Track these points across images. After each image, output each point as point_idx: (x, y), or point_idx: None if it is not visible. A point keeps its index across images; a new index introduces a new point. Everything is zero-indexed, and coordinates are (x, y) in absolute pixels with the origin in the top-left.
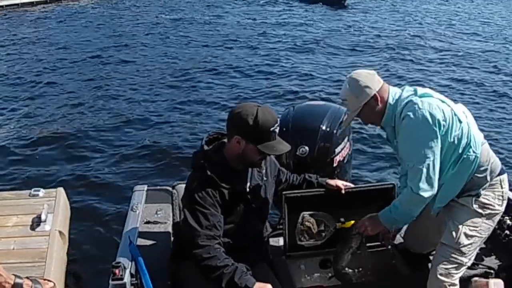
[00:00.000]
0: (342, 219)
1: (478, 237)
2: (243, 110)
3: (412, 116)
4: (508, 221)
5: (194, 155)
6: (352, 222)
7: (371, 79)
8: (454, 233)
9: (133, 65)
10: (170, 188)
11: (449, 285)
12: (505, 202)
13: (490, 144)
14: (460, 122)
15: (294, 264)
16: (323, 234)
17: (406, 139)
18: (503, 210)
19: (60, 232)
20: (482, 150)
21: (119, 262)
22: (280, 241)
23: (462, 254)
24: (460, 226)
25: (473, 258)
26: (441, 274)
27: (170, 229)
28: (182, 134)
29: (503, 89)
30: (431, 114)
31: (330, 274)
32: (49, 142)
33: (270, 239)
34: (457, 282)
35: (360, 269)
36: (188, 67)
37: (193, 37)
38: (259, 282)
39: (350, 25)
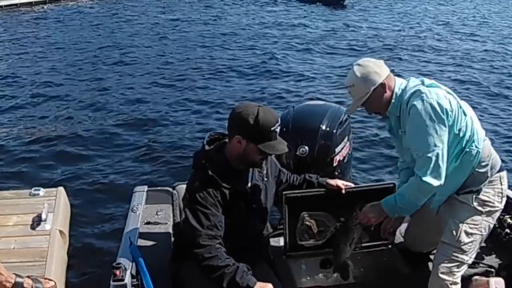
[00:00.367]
0: (342, 219)
1: (479, 234)
2: (244, 109)
3: (420, 104)
4: (509, 220)
5: (195, 155)
6: None
7: (380, 66)
8: (454, 232)
9: (132, 65)
10: (170, 189)
11: (451, 284)
12: (504, 199)
13: None
14: (465, 115)
15: (294, 264)
16: (324, 234)
17: (414, 127)
18: (502, 207)
19: (61, 231)
20: (484, 146)
21: (119, 263)
22: (281, 241)
23: (463, 252)
24: (460, 225)
25: (474, 255)
26: (442, 273)
27: (170, 230)
28: (182, 134)
29: (501, 89)
30: (439, 104)
31: (330, 274)
32: (48, 141)
33: (271, 239)
34: (458, 280)
35: (361, 268)
36: (188, 67)
37: (192, 37)
38: (259, 282)
39: (349, 25)
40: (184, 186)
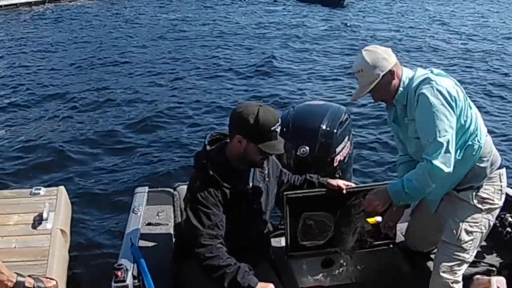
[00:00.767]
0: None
1: (479, 232)
2: (244, 109)
3: (430, 91)
4: (510, 219)
5: (197, 155)
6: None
7: (388, 53)
8: (454, 231)
9: (132, 65)
10: (171, 190)
11: (452, 282)
12: (503, 197)
13: None
14: (470, 108)
15: (296, 264)
16: (325, 234)
17: (425, 113)
18: (501, 204)
19: (62, 231)
20: (486, 142)
21: (121, 264)
22: (282, 241)
23: (464, 250)
24: (460, 223)
25: (475, 253)
26: (444, 272)
27: (171, 231)
28: (183, 135)
29: (500, 89)
30: (448, 91)
31: (332, 273)
32: (49, 141)
33: (272, 239)
34: (460, 279)
35: (362, 268)
36: (188, 67)
37: (192, 37)
38: (261, 282)
39: (348, 25)
40: (185, 187)
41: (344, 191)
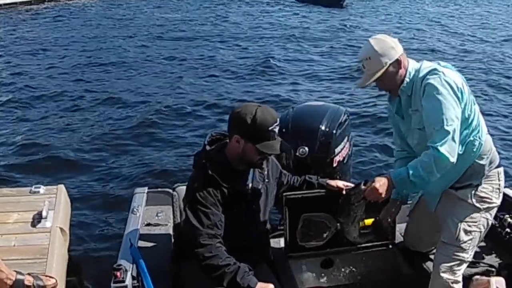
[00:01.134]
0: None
1: (478, 231)
2: (242, 109)
3: (438, 81)
4: (509, 219)
5: (196, 155)
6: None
7: (396, 43)
8: (453, 231)
9: (131, 65)
10: (170, 190)
11: (452, 283)
12: (501, 195)
13: None
14: (474, 103)
15: (295, 265)
16: (324, 235)
17: (433, 101)
18: (499, 203)
19: (61, 229)
20: (486, 140)
21: (120, 265)
22: (281, 242)
23: (463, 250)
24: (459, 223)
25: (473, 252)
26: (444, 272)
27: (171, 231)
28: (183, 135)
29: (496, 90)
30: (455, 83)
31: (332, 274)
32: (49, 139)
33: (271, 240)
34: (460, 279)
35: (362, 268)
36: (188, 68)
37: (192, 38)
38: (261, 282)
39: (348, 26)
40: (185, 187)
41: (344, 192)
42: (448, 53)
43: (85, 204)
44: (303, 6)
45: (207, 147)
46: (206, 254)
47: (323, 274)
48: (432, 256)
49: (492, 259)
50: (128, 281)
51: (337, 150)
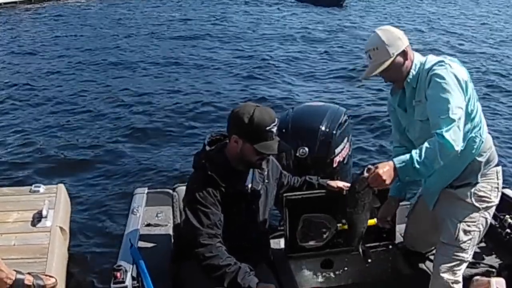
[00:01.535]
0: (343, 221)
1: (477, 231)
2: (241, 109)
3: (444, 71)
4: (509, 220)
5: (196, 155)
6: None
7: (402, 34)
8: (452, 231)
9: (130, 65)
10: (170, 190)
11: (452, 283)
12: (499, 194)
13: None
14: (477, 100)
15: (295, 265)
16: (324, 235)
17: (439, 90)
18: (497, 202)
19: (61, 228)
20: (486, 138)
21: (120, 265)
22: (281, 242)
23: (463, 250)
24: (458, 224)
25: (473, 252)
26: (444, 272)
27: (171, 232)
28: (182, 135)
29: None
30: (461, 76)
31: (331, 275)
32: (49, 138)
33: (271, 241)
34: (460, 279)
35: (362, 268)
36: (187, 68)
37: (192, 38)
38: (261, 283)
39: (348, 26)
40: (184, 187)
41: (344, 193)
42: (447, 53)
43: (85, 204)
44: (303, 5)
45: (207, 147)
46: (206, 254)
47: (323, 275)
48: (432, 257)
49: (493, 260)
50: (128, 281)
51: (337, 150)
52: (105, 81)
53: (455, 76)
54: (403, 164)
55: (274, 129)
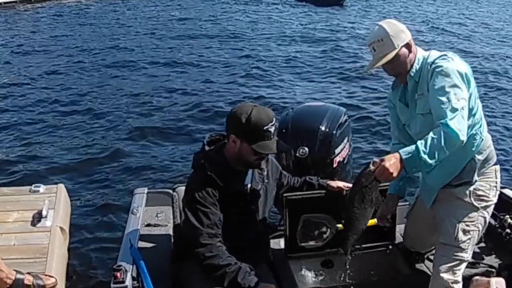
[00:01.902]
0: (343, 221)
1: (476, 231)
2: (239, 109)
3: (448, 64)
4: (509, 220)
5: (195, 155)
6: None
7: (405, 27)
8: (452, 231)
9: (131, 65)
10: (170, 191)
11: (452, 283)
12: (498, 193)
13: None
14: (477, 97)
15: (295, 265)
16: (324, 235)
17: (443, 81)
18: (496, 201)
19: (61, 228)
20: (486, 136)
21: (120, 265)
22: (281, 243)
23: (462, 250)
24: (457, 224)
25: (472, 252)
26: (444, 272)
27: (171, 232)
28: (182, 135)
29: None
30: (464, 70)
31: (331, 275)
32: (49, 138)
33: (271, 241)
34: (460, 279)
35: (362, 269)
36: (186, 69)
37: (189, 37)
38: (262, 283)
39: (348, 25)
40: (184, 187)
41: (344, 193)
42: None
43: (85, 204)
44: (302, 5)
45: (206, 147)
46: (206, 253)
47: (323, 275)
48: (431, 257)
49: (492, 260)
50: (128, 281)
51: (337, 150)
52: (105, 81)
53: (458, 70)
54: (410, 155)
55: (272, 129)
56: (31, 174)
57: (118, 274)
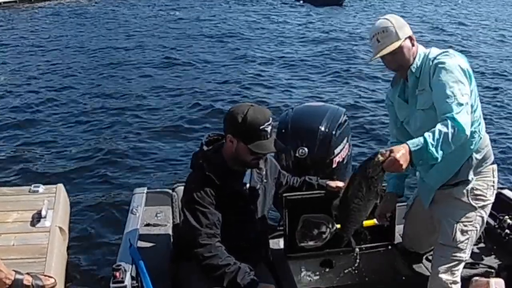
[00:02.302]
0: (339, 213)
1: (474, 230)
2: (235, 109)
3: (450, 60)
4: (508, 221)
5: (194, 155)
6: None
7: (405, 23)
8: (450, 232)
9: (131, 65)
10: (170, 190)
11: (451, 283)
12: (495, 192)
13: None
14: (477, 96)
15: (294, 265)
16: (324, 236)
17: (446, 76)
18: (493, 200)
19: (61, 228)
20: (484, 135)
21: (119, 265)
22: (281, 243)
23: (460, 250)
24: (455, 224)
25: (471, 251)
26: (442, 273)
27: (170, 231)
28: (182, 135)
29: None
30: (465, 66)
31: (331, 275)
32: (48, 138)
33: (271, 241)
34: (458, 279)
35: (361, 269)
36: (185, 70)
37: (188, 37)
38: (261, 283)
39: (347, 25)
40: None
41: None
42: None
43: (84, 204)
44: (302, 5)
45: (205, 147)
46: (205, 254)
47: (322, 275)
48: (431, 257)
49: (492, 260)
50: (127, 281)
51: (336, 150)
52: (104, 81)
53: (460, 66)
54: (418, 147)
55: (268, 129)
56: (31, 174)
57: (117, 274)
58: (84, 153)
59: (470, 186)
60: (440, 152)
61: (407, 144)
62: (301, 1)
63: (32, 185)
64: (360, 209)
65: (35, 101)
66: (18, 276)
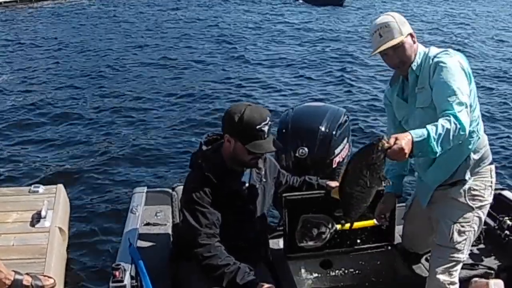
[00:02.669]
0: (342, 221)
1: (472, 231)
2: (233, 108)
3: (450, 59)
4: (508, 222)
5: (193, 155)
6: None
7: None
8: (447, 233)
9: (129, 65)
10: (169, 190)
11: (449, 284)
12: (493, 193)
13: None
14: (476, 95)
15: (294, 266)
16: (323, 236)
17: (447, 75)
18: (491, 200)
19: (60, 229)
20: (482, 136)
21: (119, 264)
22: (280, 243)
23: (458, 251)
24: (452, 225)
25: (469, 252)
26: (440, 274)
27: (170, 231)
28: (182, 135)
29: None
30: (465, 66)
31: (330, 275)
32: (48, 139)
33: (270, 241)
34: (456, 280)
35: (361, 269)
36: (184, 70)
37: (187, 37)
38: (261, 283)
39: (348, 25)
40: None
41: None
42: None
43: (84, 204)
44: (302, 4)
45: (204, 147)
46: (205, 254)
47: (322, 275)
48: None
49: (491, 262)
50: (127, 280)
51: (336, 151)
52: (104, 81)
53: (461, 65)
54: (421, 138)
55: (265, 128)
56: (31, 175)
57: (117, 273)
58: (84, 153)
59: (467, 186)
60: (440, 148)
61: (410, 133)
62: (301, 1)
63: (32, 186)
64: (364, 196)
65: (35, 101)
66: (18, 277)
